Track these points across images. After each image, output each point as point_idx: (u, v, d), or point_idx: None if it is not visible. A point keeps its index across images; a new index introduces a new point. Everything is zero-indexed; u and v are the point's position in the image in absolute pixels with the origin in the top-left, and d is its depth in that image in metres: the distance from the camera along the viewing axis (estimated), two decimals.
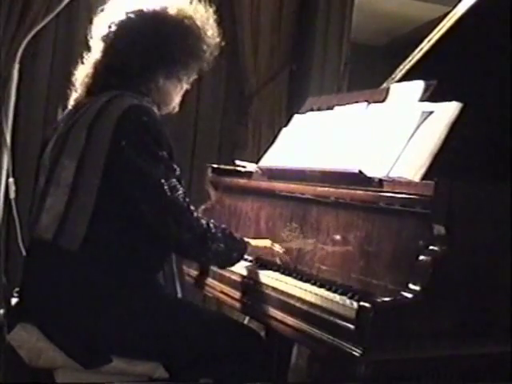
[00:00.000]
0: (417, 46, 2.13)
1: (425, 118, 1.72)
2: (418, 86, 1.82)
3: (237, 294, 1.95)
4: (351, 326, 1.45)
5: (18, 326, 1.78)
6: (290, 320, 1.67)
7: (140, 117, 1.74)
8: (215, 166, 2.43)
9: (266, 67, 3.63)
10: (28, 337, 1.75)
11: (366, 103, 1.96)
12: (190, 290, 2.26)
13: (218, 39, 1.94)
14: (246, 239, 1.89)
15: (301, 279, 1.78)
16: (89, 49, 1.93)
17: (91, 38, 1.92)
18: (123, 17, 1.87)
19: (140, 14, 1.87)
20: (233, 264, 1.88)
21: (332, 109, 2.10)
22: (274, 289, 1.78)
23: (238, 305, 1.96)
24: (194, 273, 2.23)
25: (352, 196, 1.71)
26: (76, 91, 1.92)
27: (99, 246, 1.74)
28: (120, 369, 1.77)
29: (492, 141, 1.96)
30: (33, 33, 3.10)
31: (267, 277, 1.86)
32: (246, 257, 1.92)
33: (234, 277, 1.97)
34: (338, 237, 1.75)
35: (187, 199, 1.75)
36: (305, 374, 2.50)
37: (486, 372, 1.55)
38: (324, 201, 1.81)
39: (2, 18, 3.04)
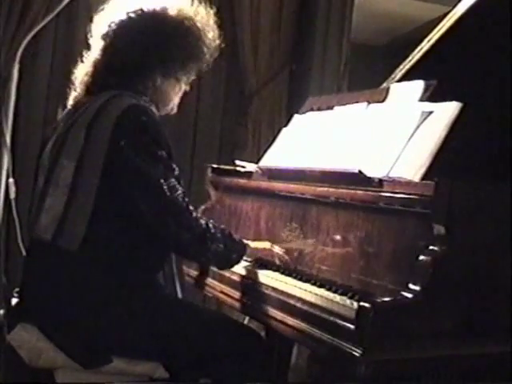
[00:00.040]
0: (417, 46, 2.13)
1: (425, 118, 1.72)
2: (418, 85, 1.82)
3: (237, 294, 1.95)
4: (351, 326, 1.45)
5: (18, 326, 1.78)
6: (290, 320, 1.66)
7: (139, 117, 1.74)
8: (215, 166, 2.43)
9: (265, 67, 3.63)
10: (28, 337, 1.75)
11: (365, 103, 1.96)
12: (190, 290, 2.26)
13: (218, 42, 1.94)
14: (245, 241, 1.89)
15: (301, 279, 1.78)
16: (89, 48, 1.93)
17: (91, 36, 1.93)
18: (124, 16, 1.87)
19: (140, 14, 1.87)
20: (232, 265, 1.88)
21: (332, 109, 2.10)
22: (274, 289, 1.78)
23: (237, 305, 1.95)
24: (194, 273, 2.23)
25: (352, 196, 1.70)
26: (75, 90, 1.92)
27: (99, 246, 1.74)
28: (120, 369, 1.77)
29: (492, 141, 1.96)
30: (33, 33, 3.11)
31: (267, 277, 1.86)
32: (245, 258, 1.92)
33: (234, 277, 1.97)
34: (337, 237, 1.75)
35: (186, 199, 1.75)
36: (305, 374, 2.50)
37: (486, 372, 1.55)
38: (324, 201, 1.81)
39: (2, 17, 3.04)
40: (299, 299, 1.67)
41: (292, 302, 1.69)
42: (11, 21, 3.06)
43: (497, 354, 1.53)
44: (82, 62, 1.92)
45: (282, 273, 1.87)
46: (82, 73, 1.91)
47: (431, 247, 1.47)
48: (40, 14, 3.11)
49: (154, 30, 1.86)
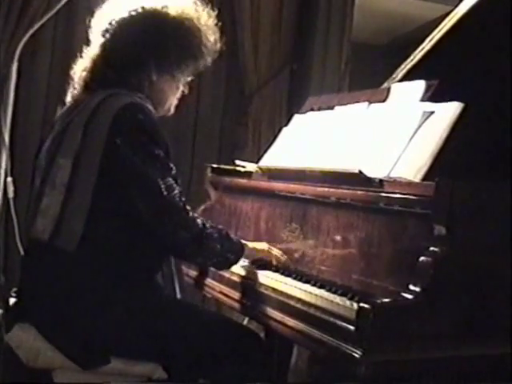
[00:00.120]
0: (418, 46, 2.12)
1: (426, 118, 1.72)
2: (419, 85, 1.81)
3: (236, 295, 1.94)
4: (351, 327, 1.44)
5: (15, 327, 1.77)
6: (289, 321, 1.66)
7: (136, 115, 1.74)
8: (215, 165, 2.42)
9: (266, 66, 3.63)
10: (26, 337, 1.75)
11: (366, 103, 1.95)
12: (189, 291, 2.26)
13: (218, 44, 1.94)
14: (243, 241, 1.88)
15: (300, 280, 1.77)
16: (88, 45, 1.93)
17: (91, 32, 1.93)
18: (125, 14, 1.88)
19: (142, 12, 1.88)
20: (230, 266, 1.87)
21: (332, 108, 2.09)
22: (274, 289, 1.77)
23: (237, 305, 1.95)
24: (193, 273, 2.22)
25: (352, 196, 1.70)
26: (74, 86, 1.91)
27: (96, 246, 1.73)
28: (118, 369, 1.76)
29: (493, 141, 1.95)
30: (32, 31, 3.10)
31: (267, 277, 1.85)
32: (244, 259, 1.91)
33: (233, 277, 1.97)
34: (338, 237, 1.74)
35: (183, 199, 1.74)
36: (305, 374, 2.49)
37: (486, 373, 1.55)
38: (324, 201, 1.80)
39: (1, 15, 3.03)
40: (299, 300, 1.66)
41: (292, 302, 1.68)
42: (10, 19, 3.06)
43: (497, 355, 1.52)
44: (82, 57, 1.92)
45: (282, 273, 1.86)
46: (80, 68, 1.90)
47: (432, 248, 1.46)
48: (39, 12, 3.11)
49: (154, 28, 1.85)
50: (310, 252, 1.84)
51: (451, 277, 1.46)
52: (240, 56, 3.58)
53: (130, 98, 1.78)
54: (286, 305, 1.70)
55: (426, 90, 1.79)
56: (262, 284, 1.84)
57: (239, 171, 2.26)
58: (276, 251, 1.93)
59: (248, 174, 2.20)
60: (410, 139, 1.70)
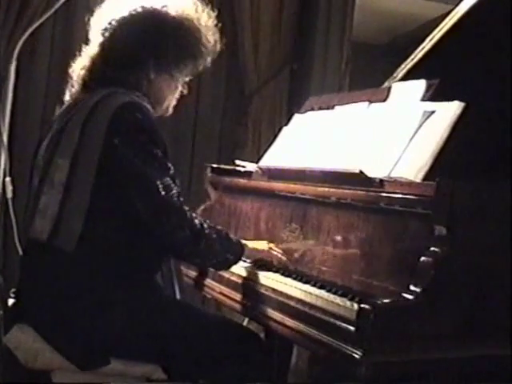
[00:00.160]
0: (418, 45, 2.12)
1: (426, 118, 1.71)
2: (420, 85, 1.81)
3: (236, 296, 1.94)
4: (351, 328, 1.44)
5: (14, 328, 1.77)
6: (289, 321, 1.65)
7: (134, 114, 1.73)
8: (215, 165, 2.42)
9: (266, 66, 3.62)
10: (24, 338, 1.74)
11: (367, 102, 1.95)
12: (189, 292, 2.25)
13: (218, 45, 1.93)
14: (242, 241, 1.87)
15: (301, 280, 1.77)
16: (87, 44, 1.92)
17: (90, 31, 1.92)
18: (125, 13, 1.88)
19: (141, 12, 1.88)
20: (229, 266, 1.86)
21: (333, 108, 2.08)
22: (274, 290, 1.77)
23: (237, 306, 1.94)
24: (193, 274, 2.22)
25: (353, 196, 1.69)
26: (72, 85, 1.91)
27: (95, 246, 1.72)
28: (118, 370, 1.76)
29: (494, 140, 1.95)
30: (30, 30, 3.10)
31: (267, 278, 1.85)
32: (244, 259, 1.90)
33: (233, 278, 1.96)
34: (338, 237, 1.74)
35: (181, 198, 1.74)
36: (305, 375, 2.49)
37: (486, 374, 1.55)
38: (324, 201, 1.80)
39: None
40: (299, 300, 1.66)
41: (292, 303, 1.68)
42: (9, 18, 3.05)
43: (498, 355, 1.52)
44: (81, 56, 1.92)
45: (282, 274, 1.86)
46: (79, 67, 1.90)
47: (432, 248, 1.46)
48: (38, 12, 3.10)
49: (154, 27, 1.86)
50: (310, 252, 1.83)
51: (452, 277, 1.45)
52: (240, 56, 3.57)
53: (128, 96, 1.78)
54: (286, 305, 1.69)
55: (427, 90, 1.79)
56: (261, 284, 1.84)
57: (239, 171, 2.26)
58: (276, 251, 1.92)
59: (248, 174, 2.20)
60: (411, 139, 1.70)
